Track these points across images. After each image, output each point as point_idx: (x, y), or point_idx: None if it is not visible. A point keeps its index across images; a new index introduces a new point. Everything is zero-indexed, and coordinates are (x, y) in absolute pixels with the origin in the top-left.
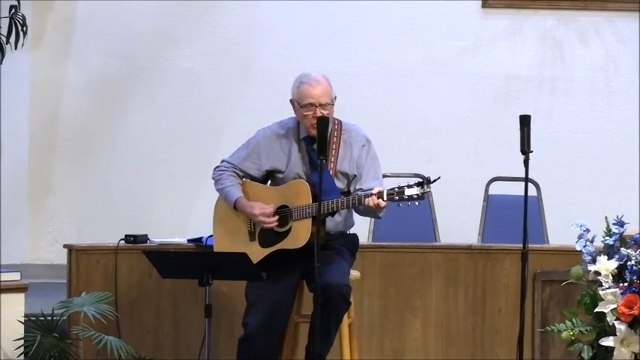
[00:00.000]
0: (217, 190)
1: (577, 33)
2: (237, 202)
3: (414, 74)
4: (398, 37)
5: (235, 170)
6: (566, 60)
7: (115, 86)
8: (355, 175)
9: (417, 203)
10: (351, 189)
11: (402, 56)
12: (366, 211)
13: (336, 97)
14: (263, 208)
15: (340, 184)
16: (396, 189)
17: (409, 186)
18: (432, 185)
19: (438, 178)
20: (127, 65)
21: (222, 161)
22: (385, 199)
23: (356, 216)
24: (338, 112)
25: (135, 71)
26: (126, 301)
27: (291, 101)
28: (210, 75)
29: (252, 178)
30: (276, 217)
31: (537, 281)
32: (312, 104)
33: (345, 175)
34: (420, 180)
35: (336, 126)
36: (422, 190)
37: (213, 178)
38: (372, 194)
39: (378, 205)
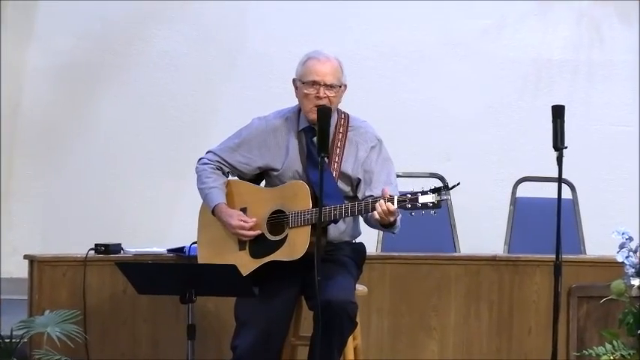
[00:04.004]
0: (198, 188)
1: (617, 11)
2: (216, 209)
3: (429, 58)
4: (411, 16)
5: (221, 164)
6: (605, 42)
7: (85, 72)
8: (359, 180)
9: (432, 212)
10: (359, 195)
11: (415, 38)
12: (377, 223)
13: (346, 87)
14: (242, 219)
15: (344, 187)
16: (409, 195)
17: (424, 192)
18: (450, 191)
19: (458, 183)
20: (99, 48)
21: (208, 152)
22: (396, 206)
23: (363, 224)
24: (341, 102)
25: (107, 55)
26: (96, 321)
27: (294, 81)
28: (194, 59)
29: (240, 175)
30: (257, 232)
31: (573, 297)
32: (315, 82)
33: (348, 177)
34: (437, 186)
35: (343, 121)
36: (439, 198)
37: (195, 172)
38: (380, 198)
39: (387, 212)
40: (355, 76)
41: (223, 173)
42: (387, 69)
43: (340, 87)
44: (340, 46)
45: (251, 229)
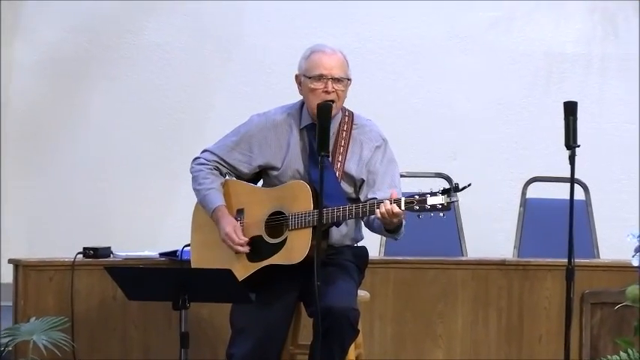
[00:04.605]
0: (194, 189)
1: (632, 3)
2: (215, 212)
3: (434, 52)
4: (415, 8)
5: (219, 164)
6: (619, 35)
7: (72, 67)
8: (363, 180)
9: (441, 214)
10: (362, 197)
11: (420, 30)
12: (380, 227)
13: (351, 80)
14: (237, 232)
15: (347, 188)
16: (417, 196)
17: (432, 193)
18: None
19: (469, 185)
20: (88, 42)
21: (204, 151)
22: (403, 207)
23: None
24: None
25: (97, 49)
26: (85, 328)
27: (297, 77)
28: (188, 53)
29: (239, 175)
30: (247, 248)
31: (585, 303)
32: (323, 75)
33: (351, 178)
34: (447, 187)
35: (347, 118)
36: (448, 199)
37: (190, 173)
38: (386, 200)
39: (391, 213)
40: (357, 70)
41: (221, 174)
42: (390, 63)
43: (348, 80)
44: (341, 40)
45: (239, 245)
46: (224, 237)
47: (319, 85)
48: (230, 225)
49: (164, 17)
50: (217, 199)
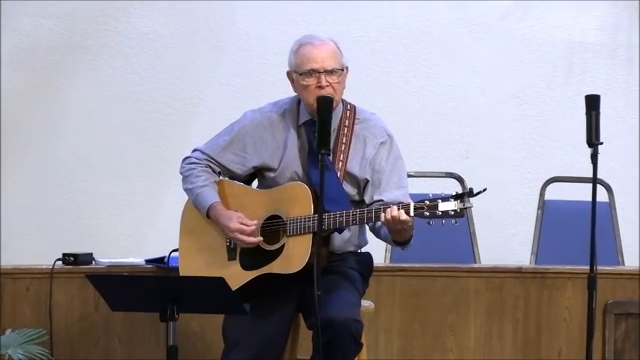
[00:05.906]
0: (185, 190)
1: None
2: (211, 209)
3: (445, 41)
4: None
5: (211, 164)
6: None
7: (50, 57)
8: (367, 180)
9: (453, 221)
10: (366, 199)
11: (429, 17)
12: (387, 236)
13: (348, 69)
14: (242, 222)
15: (350, 190)
16: (427, 202)
17: (444, 198)
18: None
19: (484, 190)
20: (67, 29)
21: (195, 150)
22: (412, 214)
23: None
24: (344, 91)
25: (77, 36)
26: (64, 341)
27: (288, 74)
28: (176, 42)
29: (233, 177)
30: (259, 239)
31: (609, 314)
32: (314, 70)
33: (354, 178)
34: (460, 192)
35: (349, 113)
36: (461, 205)
37: (181, 174)
38: (393, 205)
39: (397, 220)
40: (360, 61)
41: (214, 173)
42: (396, 53)
43: (342, 70)
44: (344, 27)
45: (252, 235)
46: (232, 235)
47: (312, 81)
48: (233, 220)
49: (150, 2)
50: (212, 196)
